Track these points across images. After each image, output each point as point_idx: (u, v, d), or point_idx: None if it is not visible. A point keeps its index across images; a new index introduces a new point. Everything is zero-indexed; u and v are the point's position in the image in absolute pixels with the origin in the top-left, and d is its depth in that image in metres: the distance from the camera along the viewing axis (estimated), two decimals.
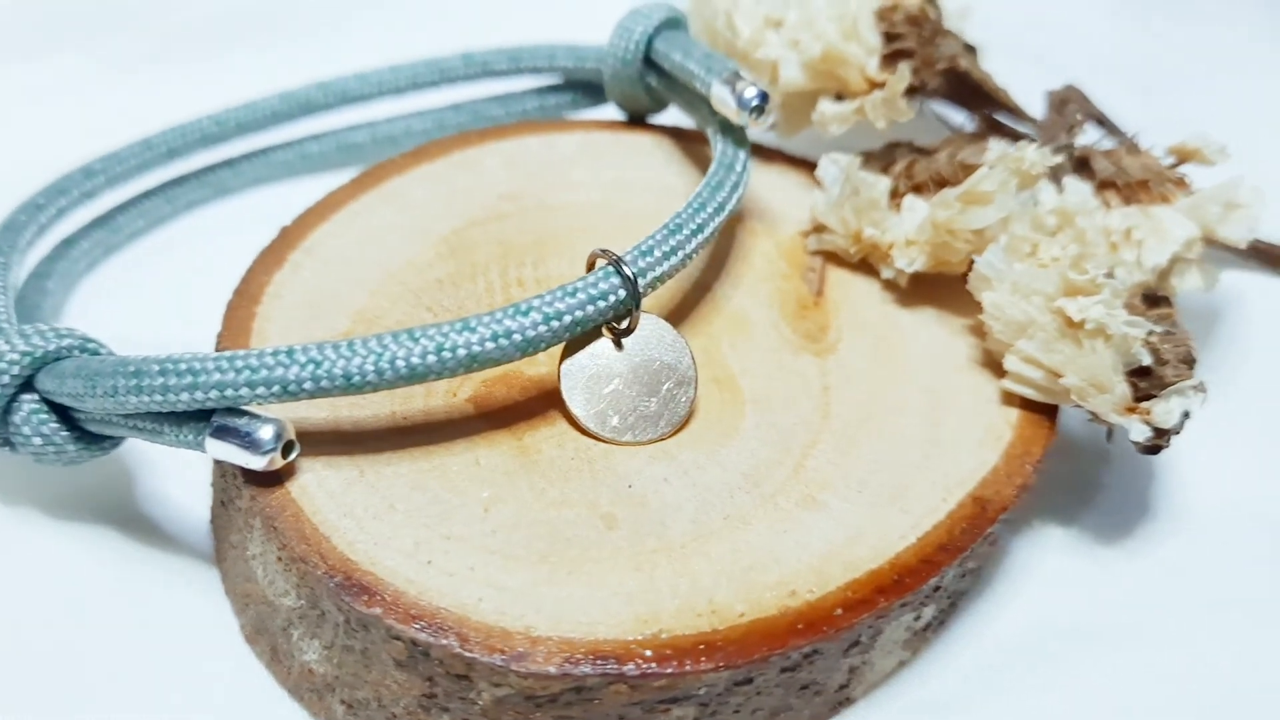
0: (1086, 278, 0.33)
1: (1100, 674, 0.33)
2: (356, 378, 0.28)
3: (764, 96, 0.36)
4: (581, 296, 0.31)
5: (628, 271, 0.31)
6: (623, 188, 0.40)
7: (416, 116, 0.46)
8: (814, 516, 0.31)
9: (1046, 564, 0.36)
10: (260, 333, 0.33)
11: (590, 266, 0.33)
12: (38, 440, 0.31)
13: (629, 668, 0.27)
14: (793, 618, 0.28)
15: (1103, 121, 0.43)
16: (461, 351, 0.29)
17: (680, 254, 0.33)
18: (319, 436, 0.31)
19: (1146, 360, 0.33)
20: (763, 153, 0.43)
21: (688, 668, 0.27)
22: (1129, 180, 0.38)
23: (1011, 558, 0.36)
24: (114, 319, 0.39)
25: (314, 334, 0.34)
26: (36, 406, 0.31)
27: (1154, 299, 0.37)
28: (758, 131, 0.38)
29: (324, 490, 0.30)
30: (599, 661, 0.27)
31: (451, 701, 0.28)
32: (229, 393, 0.28)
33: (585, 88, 0.45)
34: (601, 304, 0.31)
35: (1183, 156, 0.38)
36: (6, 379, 0.30)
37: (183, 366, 0.29)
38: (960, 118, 0.44)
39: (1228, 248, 0.42)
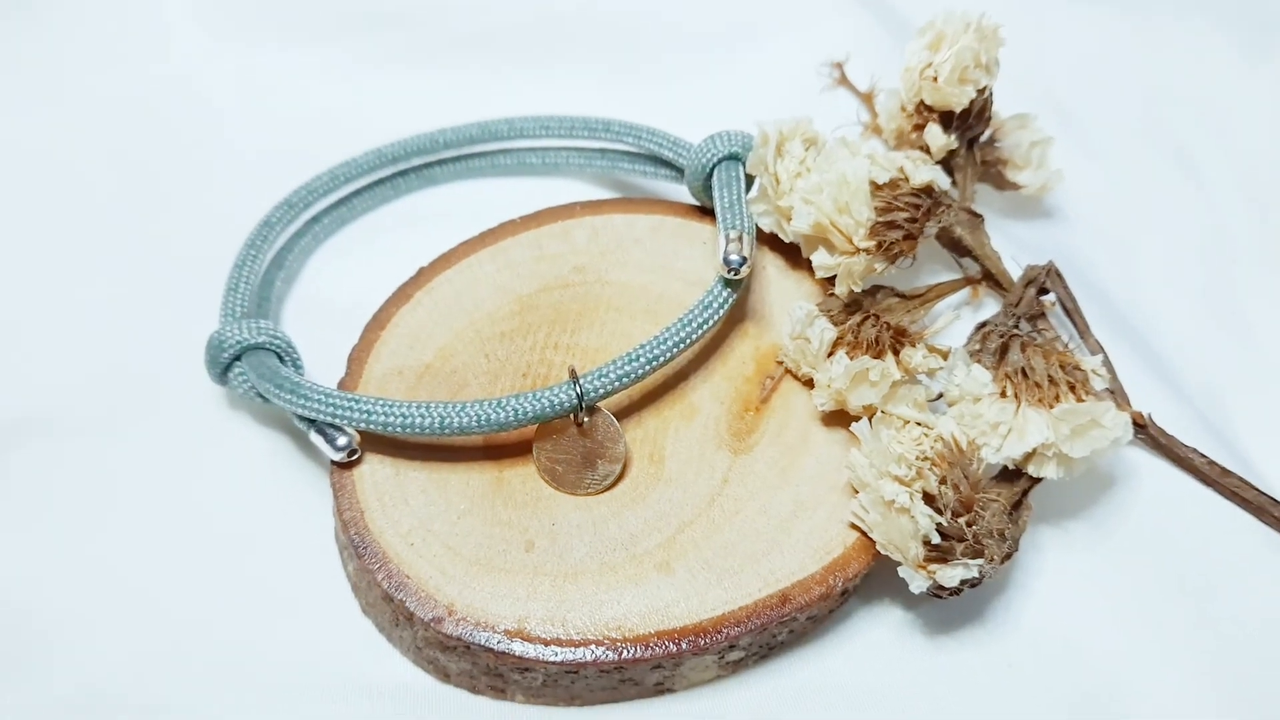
0: (900, 472, 0.45)
1: None
2: (388, 428, 0.47)
3: (743, 262, 0.49)
4: (544, 402, 0.47)
5: (578, 390, 0.47)
6: (664, 273, 0.54)
7: (576, 153, 0.61)
8: (662, 578, 0.46)
9: (872, 634, 0.49)
10: (376, 354, 0.52)
11: (570, 374, 0.48)
12: (240, 392, 0.52)
13: (492, 640, 0.45)
14: (607, 644, 0.45)
15: (1064, 306, 0.51)
16: (456, 424, 0.46)
17: (632, 375, 0.48)
18: (387, 440, 0.49)
19: (936, 540, 0.45)
20: (791, 255, 0.54)
21: (526, 653, 0.45)
22: (1029, 378, 0.48)
23: (853, 620, 0.50)
24: (342, 276, 0.59)
25: (408, 361, 0.52)
26: (241, 372, 0.51)
27: (1013, 475, 0.48)
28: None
29: (372, 478, 0.49)
30: (476, 631, 0.45)
31: (403, 630, 0.47)
32: (323, 415, 0.48)
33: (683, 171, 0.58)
34: (559, 407, 0.47)
35: (1075, 367, 0.47)
36: (226, 355, 0.51)
37: (307, 393, 0.48)
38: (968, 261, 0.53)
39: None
